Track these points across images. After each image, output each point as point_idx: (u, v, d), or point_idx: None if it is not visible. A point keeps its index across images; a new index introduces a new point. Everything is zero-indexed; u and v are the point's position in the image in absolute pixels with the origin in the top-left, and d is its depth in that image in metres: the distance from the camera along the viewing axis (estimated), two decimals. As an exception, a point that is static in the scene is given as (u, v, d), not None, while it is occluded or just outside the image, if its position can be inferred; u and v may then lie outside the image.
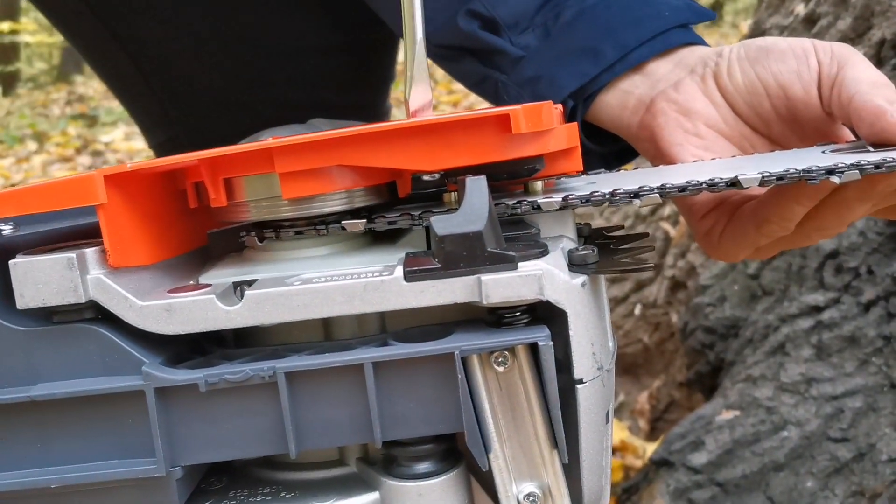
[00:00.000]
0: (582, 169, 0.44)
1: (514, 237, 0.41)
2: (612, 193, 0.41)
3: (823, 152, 0.49)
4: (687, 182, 0.41)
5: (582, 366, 0.38)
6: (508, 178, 0.41)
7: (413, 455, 0.39)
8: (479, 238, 0.36)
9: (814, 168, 0.42)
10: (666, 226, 1.81)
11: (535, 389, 0.37)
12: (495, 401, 0.37)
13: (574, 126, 0.42)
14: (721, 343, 1.49)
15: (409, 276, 0.37)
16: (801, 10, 1.64)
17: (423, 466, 0.39)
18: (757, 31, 1.87)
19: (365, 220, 0.42)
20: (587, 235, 0.49)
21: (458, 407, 0.37)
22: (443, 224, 0.36)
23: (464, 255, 0.36)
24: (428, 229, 0.43)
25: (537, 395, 0.37)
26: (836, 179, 0.41)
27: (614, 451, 1.74)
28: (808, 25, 1.63)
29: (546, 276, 0.36)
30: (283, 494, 0.40)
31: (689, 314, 1.58)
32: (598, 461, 0.40)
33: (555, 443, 0.38)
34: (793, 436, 1.18)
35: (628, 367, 1.84)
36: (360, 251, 0.43)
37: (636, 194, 0.41)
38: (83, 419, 0.37)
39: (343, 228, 0.42)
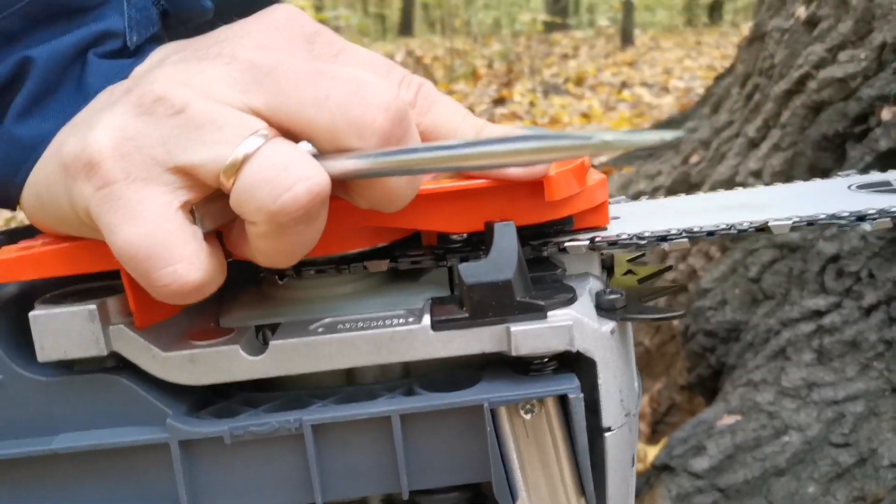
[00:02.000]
0: (608, 223, 0.43)
1: (540, 278, 0.40)
2: (640, 236, 0.40)
3: (850, 188, 0.48)
4: (715, 227, 0.41)
5: (610, 414, 0.37)
6: (534, 237, 0.40)
7: (439, 502, 0.39)
8: (509, 287, 0.36)
9: (843, 214, 0.41)
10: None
11: (563, 438, 0.37)
12: (522, 449, 0.37)
13: (604, 181, 0.42)
14: (722, 347, 1.49)
15: (437, 326, 0.36)
16: (801, 12, 1.64)
17: (450, 512, 0.39)
18: (758, 34, 1.87)
19: (388, 260, 0.42)
20: (609, 267, 0.49)
21: (485, 456, 0.37)
22: (471, 272, 0.36)
23: (492, 305, 0.36)
24: (451, 268, 0.42)
25: (565, 443, 0.37)
26: (867, 227, 0.41)
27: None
28: (809, 28, 1.62)
29: (576, 326, 0.36)
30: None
31: (690, 318, 1.59)
32: (628, 486, 0.40)
33: (582, 490, 0.37)
34: (794, 441, 1.18)
35: (628, 367, 1.85)
36: (383, 290, 0.43)
37: (664, 237, 0.40)
38: (105, 470, 0.37)
39: (365, 268, 0.42)
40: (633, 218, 0.45)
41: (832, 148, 1.50)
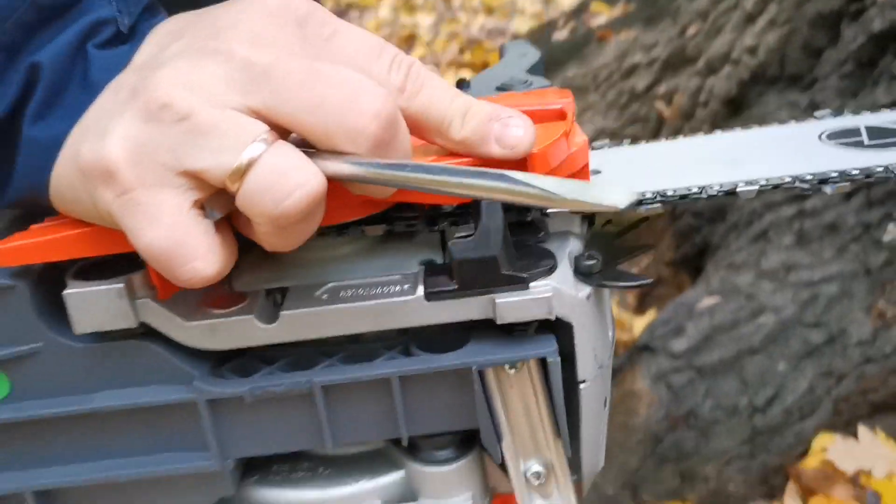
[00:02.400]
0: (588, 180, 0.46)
1: (523, 243, 0.44)
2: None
3: (821, 137, 0.51)
4: (687, 189, 0.44)
5: (585, 368, 0.42)
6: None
7: (434, 444, 0.44)
8: (494, 262, 0.40)
9: (807, 177, 0.44)
10: (660, 105, 1.81)
11: (542, 390, 0.42)
12: (506, 400, 0.42)
13: (585, 145, 0.44)
14: (708, 227, 1.54)
15: (430, 297, 0.40)
16: None
17: (443, 454, 0.44)
18: None
19: (384, 225, 0.45)
20: (590, 217, 0.52)
21: (474, 406, 0.42)
22: (460, 249, 0.40)
23: (479, 278, 0.40)
24: (443, 232, 0.46)
25: (544, 394, 0.42)
26: (828, 190, 0.44)
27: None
28: None
29: (555, 296, 0.40)
30: (320, 470, 0.46)
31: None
32: (596, 441, 0.45)
33: (558, 433, 0.43)
34: (769, 321, 1.26)
35: (618, 242, 1.91)
36: (379, 251, 0.47)
37: (639, 202, 0.44)
38: (139, 425, 0.42)
39: (363, 231, 0.45)
40: (612, 172, 0.48)
41: (827, 26, 1.49)
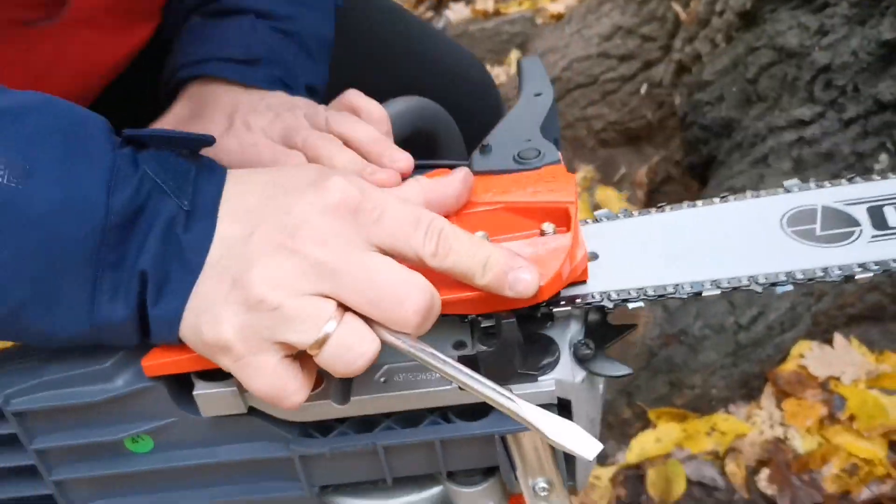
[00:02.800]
0: (587, 278, 0.58)
1: (533, 335, 0.57)
2: (609, 297, 0.56)
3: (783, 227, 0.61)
4: (676, 286, 0.56)
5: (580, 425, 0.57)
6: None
7: (466, 472, 0.60)
8: (511, 364, 0.53)
9: (760, 280, 0.56)
10: (677, 7, 1.83)
11: (545, 445, 0.57)
12: (520, 448, 0.57)
13: (585, 255, 0.55)
14: (715, 140, 1.63)
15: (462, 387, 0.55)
16: None
17: (472, 479, 0.60)
18: None
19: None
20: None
21: (495, 452, 0.57)
22: (484, 356, 0.53)
23: (499, 374, 0.54)
24: (472, 322, 0.58)
25: (547, 444, 0.57)
26: (779, 290, 0.56)
27: (611, 222, 1.95)
28: None
29: (557, 385, 0.54)
30: (380, 484, 0.62)
31: (689, 107, 1.70)
32: (587, 466, 0.61)
33: (558, 464, 0.58)
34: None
35: (632, 139, 2.00)
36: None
37: (626, 300, 0.56)
38: (252, 467, 0.58)
39: None
40: (611, 259, 0.60)
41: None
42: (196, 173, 0.51)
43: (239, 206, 0.50)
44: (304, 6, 0.77)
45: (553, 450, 0.58)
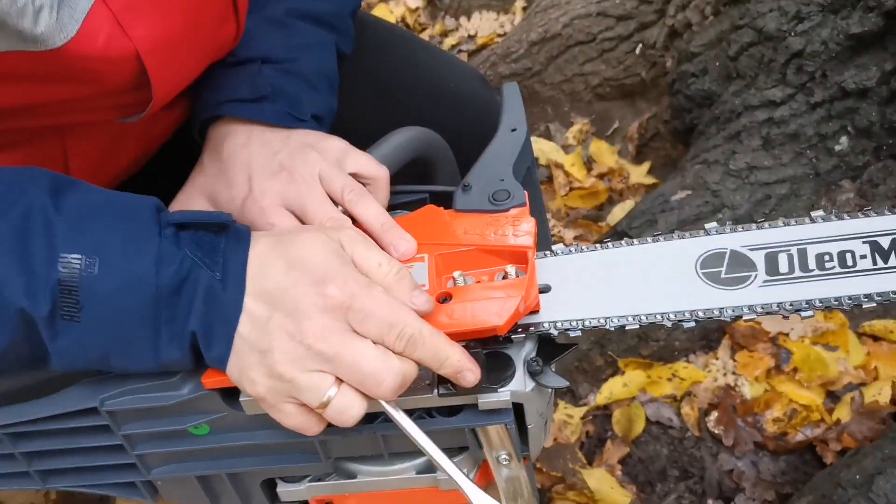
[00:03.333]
0: (540, 308, 0.76)
1: (494, 353, 0.75)
2: (558, 328, 0.74)
3: (697, 265, 0.79)
4: (606, 319, 0.74)
5: (530, 419, 0.76)
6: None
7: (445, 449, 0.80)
8: (477, 384, 0.73)
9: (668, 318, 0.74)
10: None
11: (505, 430, 0.77)
12: (487, 435, 0.77)
13: (536, 293, 0.74)
14: (697, 110, 1.76)
15: (441, 395, 0.74)
16: None
17: (450, 452, 0.80)
18: None
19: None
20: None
21: (466, 438, 0.77)
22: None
23: (469, 389, 0.73)
24: None
25: (506, 431, 0.77)
26: (685, 326, 0.74)
27: (603, 176, 2.11)
28: None
29: (513, 394, 0.73)
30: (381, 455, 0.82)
31: (677, 75, 1.82)
32: (538, 443, 0.81)
33: (514, 445, 0.78)
34: (725, 217, 1.54)
35: (626, 94, 2.12)
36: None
37: (581, 328, 0.74)
38: (281, 446, 0.78)
39: None
40: (560, 291, 0.77)
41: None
42: (225, 244, 0.65)
43: (261, 287, 0.65)
44: (301, 49, 0.89)
45: (510, 432, 0.77)
